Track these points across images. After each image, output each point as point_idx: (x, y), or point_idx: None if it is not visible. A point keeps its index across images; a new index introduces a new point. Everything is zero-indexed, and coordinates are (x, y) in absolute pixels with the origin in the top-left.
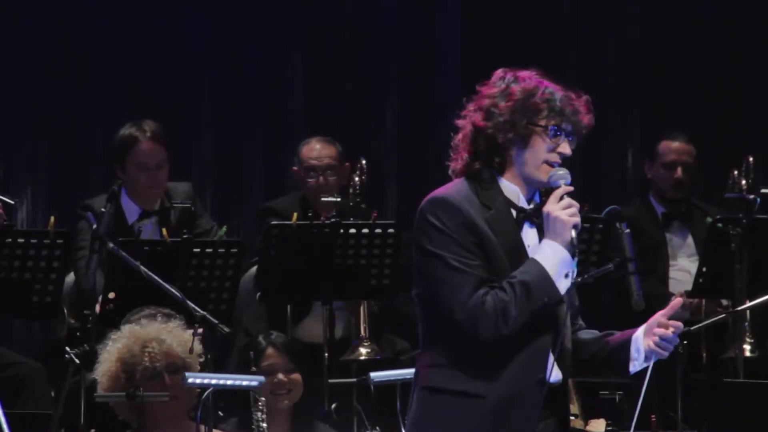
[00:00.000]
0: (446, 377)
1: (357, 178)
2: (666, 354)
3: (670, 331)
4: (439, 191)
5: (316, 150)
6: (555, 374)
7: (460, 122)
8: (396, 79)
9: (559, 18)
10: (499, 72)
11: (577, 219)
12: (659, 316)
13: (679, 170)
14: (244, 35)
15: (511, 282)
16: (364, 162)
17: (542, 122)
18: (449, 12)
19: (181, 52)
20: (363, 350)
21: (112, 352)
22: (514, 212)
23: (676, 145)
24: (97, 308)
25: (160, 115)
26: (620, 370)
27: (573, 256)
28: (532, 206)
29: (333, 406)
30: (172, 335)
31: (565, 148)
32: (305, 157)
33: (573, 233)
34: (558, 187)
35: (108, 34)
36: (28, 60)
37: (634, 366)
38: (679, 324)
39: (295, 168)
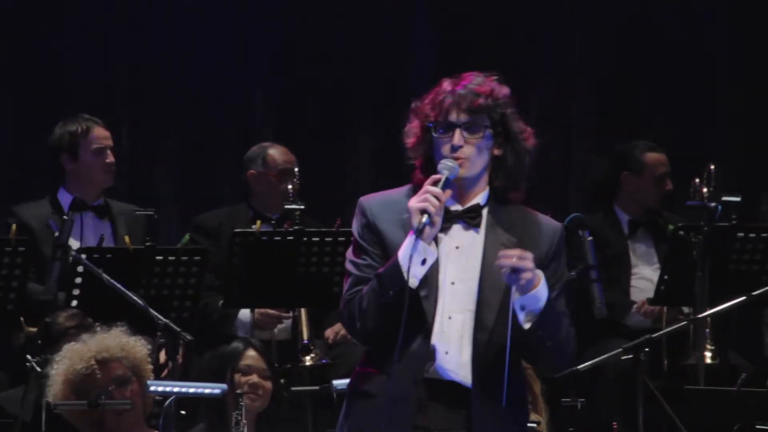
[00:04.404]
0: (357, 379)
1: (290, 186)
2: (514, 276)
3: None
4: (369, 194)
5: (286, 154)
6: (447, 374)
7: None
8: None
9: (527, 27)
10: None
11: (424, 204)
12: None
13: (669, 182)
14: (215, 67)
15: (373, 276)
16: (296, 169)
17: (430, 122)
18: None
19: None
20: (307, 357)
21: (58, 373)
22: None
23: (663, 157)
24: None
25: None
26: (521, 332)
27: (417, 239)
28: (460, 207)
29: None
30: (108, 351)
31: (455, 139)
32: (280, 160)
33: (423, 218)
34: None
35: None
36: None
37: (521, 317)
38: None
39: (255, 171)
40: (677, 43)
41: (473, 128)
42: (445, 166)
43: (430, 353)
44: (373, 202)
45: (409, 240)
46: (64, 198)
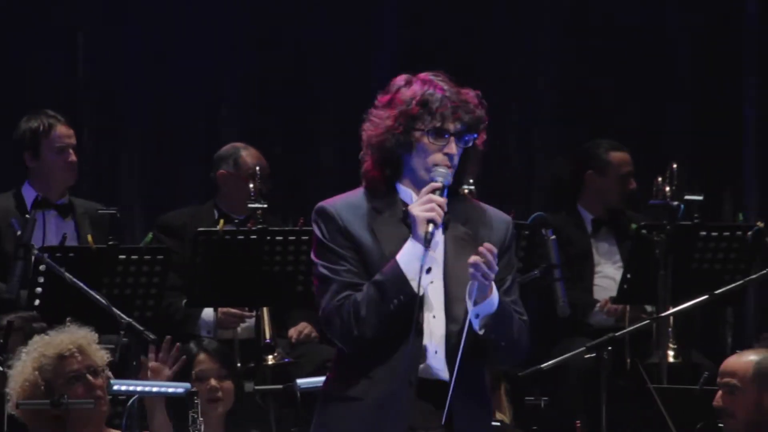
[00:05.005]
0: (335, 383)
1: (252, 185)
2: (478, 276)
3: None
4: (328, 199)
5: (258, 159)
6: (436, 372)
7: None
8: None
9: (490, 27)
10: (398, 79)
11: (431, 214)
12: None
13: (633, 181)
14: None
15: (368, 283)
16: (258, 169)
17: (421, 126)
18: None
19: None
20: (270, 356)
21: (26, 363)
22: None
23: (627, 156)
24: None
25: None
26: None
27: (426, 249)
28: None
29: None
30: (85, 339)
31: (451, 148)
32: (251, 164)
33: (429, 227)
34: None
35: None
36: None
37: (475, 324)
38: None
39: (225, 171)
40: (638, 42)
41: (464, 138)
42: (440, 174)
43: (422, 353)
44: (339, 206)
45: (413, 248)
46: (29, 193)
